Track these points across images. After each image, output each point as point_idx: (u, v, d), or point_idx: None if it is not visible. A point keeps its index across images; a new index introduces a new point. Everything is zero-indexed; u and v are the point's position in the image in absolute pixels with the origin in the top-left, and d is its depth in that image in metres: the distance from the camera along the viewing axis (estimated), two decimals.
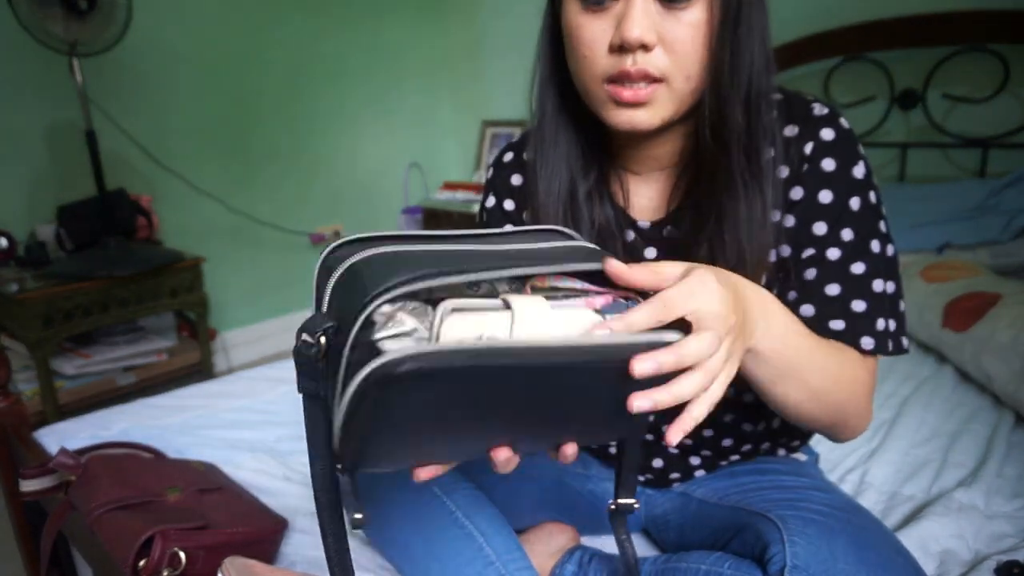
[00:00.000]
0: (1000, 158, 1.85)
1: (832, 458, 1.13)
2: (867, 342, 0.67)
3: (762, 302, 0.57)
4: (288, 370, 1.58)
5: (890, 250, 0.70)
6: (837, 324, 0.68)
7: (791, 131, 0.69)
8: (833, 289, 0.68)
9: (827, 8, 2.04)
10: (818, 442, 1.18)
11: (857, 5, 1.98)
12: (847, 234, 0.68)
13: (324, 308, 0.45)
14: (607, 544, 0.91)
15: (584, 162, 0.76)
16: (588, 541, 0.91)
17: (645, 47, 0.61)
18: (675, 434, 0.46)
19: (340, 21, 2.74)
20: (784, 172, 0.69)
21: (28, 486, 0.94)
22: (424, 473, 0.48)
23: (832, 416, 0.66)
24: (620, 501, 0.58)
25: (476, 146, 3.20)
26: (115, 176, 2.18)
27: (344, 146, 2.86)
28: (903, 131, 2.01)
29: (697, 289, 0.47)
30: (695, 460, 0.84)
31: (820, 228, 0.68)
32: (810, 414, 0.64)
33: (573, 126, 0.75)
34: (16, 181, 2.07)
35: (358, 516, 0.48)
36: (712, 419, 0.78)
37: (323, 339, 0.42)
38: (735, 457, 0.84)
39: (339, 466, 0.45)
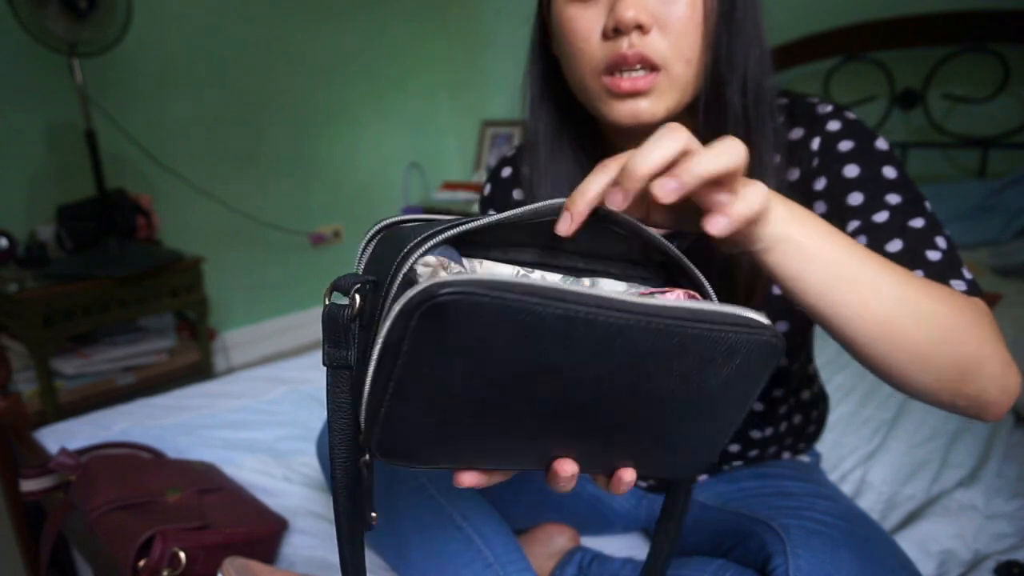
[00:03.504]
0: (1000, 158, 1.85)
1: (832, 458, 1.13)
2: (958, 284, 0.57)
3: (798, 206, 0.49)
4: (288, 370, 1.59)
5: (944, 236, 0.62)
6: (917, 273, 0.57)
7: (796, 134, 0.67)
8: (895, 246, 0.59)
9: (827, 8, 2.04)
10: (819, 442, 1.18)
11: (857, 5, 1.98)
12: (893, 198, 0.61)
13: (360, 269, 0.42)
14: (608, 545, 0.91)
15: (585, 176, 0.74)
16: (588, 542, 0.91)
17: (641, 28, 0.58)
18: (717, 225, 0.41)
19: (340, 21, 2.74)
20: (795, 174, 0.67)
21: (28, 486, 0.94)
22: (467, 479, 0.41)
23: (940, 359, 0.49)
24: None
25: (476, 146, 3.20)
26: (115, 176, 2.18)
27: (344, 146, 2.86)
28: (903, 131, 2.01)
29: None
30: None
31: (856, 199, 0.63)
32: (902, 344, 0.49)
33: (571, 142, 0.72)
34: (16, 181, 2.07)
35: (373, 514, 0.45)
36: None
37: (357, 297, 0.38)
38: (738, 463, 0.84)
39: (366, 455, 0.41)
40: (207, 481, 0.97)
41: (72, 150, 2.10)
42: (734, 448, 0.81)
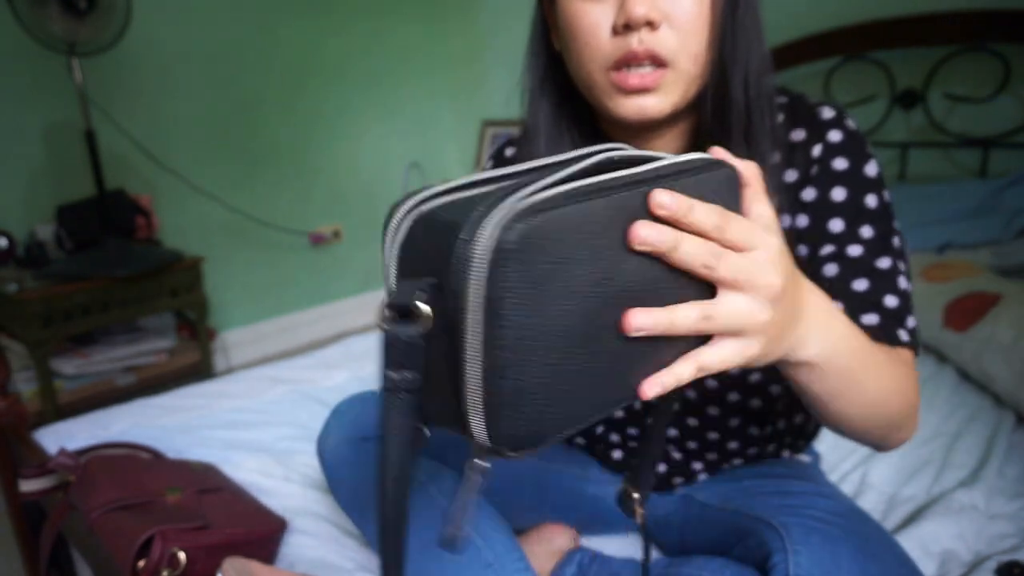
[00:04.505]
0: (1001, 158, 1.85)
1: (832, 459, 1.13)
2: (903, 335, 0.65)
3: (826, 311, 0.50)
4: (288, 370, 1.58)
5: (907, 249, 0.69)
6: (870, 319, 0.65)
7: (798, 135, 0.69)
8: (861, 284, 0.66)
9: (827, 8, 2.04)
10: (819, 441, 1.18)
11: (857, 5, 1.98)
12: (867, 231, 0.66)
13: (395, 277, 0.36)
14: (608, 545, 0.91)
15: None
16: (588, 542, 0.91)
17: (651, 24, 0.60)
18: (651, 387, 0.39)
19: (341, 20, 2.73)
20: (792, 176, 0.69)
21: (28, 486, 0.94)
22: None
23: (887, 426, 0.61)
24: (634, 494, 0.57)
25: (476, 146, 3.19)
26: (115, 176, 2.18)
27: (344, 146, 2.86)
28: (904, 131, 2.01)
29: (759, 235, 0.40)
30: (698, 465, 0.83)
31: (837, 225, 0.67)
32: (864, 426, 0.59)
33: (570, 134, 0.73)
34: (15, 181, 2.07)
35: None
36: (718, 423, 0.78)
37: (423, 307, 0.33)
38: (739, 461, 0.84)
39: (476, 459, 0.37)
40: (207, 481, 0.97)
41: (72, 150, 2.10)
42: (734, 446, 0.81)
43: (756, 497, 0.76)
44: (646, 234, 0.36)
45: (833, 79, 2.06)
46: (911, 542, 0.88)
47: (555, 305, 0.34)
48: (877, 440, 0.62)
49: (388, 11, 2.88)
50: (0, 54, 1.97)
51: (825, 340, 0.48)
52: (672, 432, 0.82)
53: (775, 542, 0.64)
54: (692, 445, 0.82)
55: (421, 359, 0.35)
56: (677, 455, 0.83)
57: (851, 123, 0.69)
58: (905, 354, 0.65)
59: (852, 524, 0.67)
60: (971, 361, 1.33)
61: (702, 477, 0.84)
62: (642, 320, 0.37)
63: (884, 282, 0.66)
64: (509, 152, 0.84)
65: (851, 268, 0.66)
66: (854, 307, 0.66)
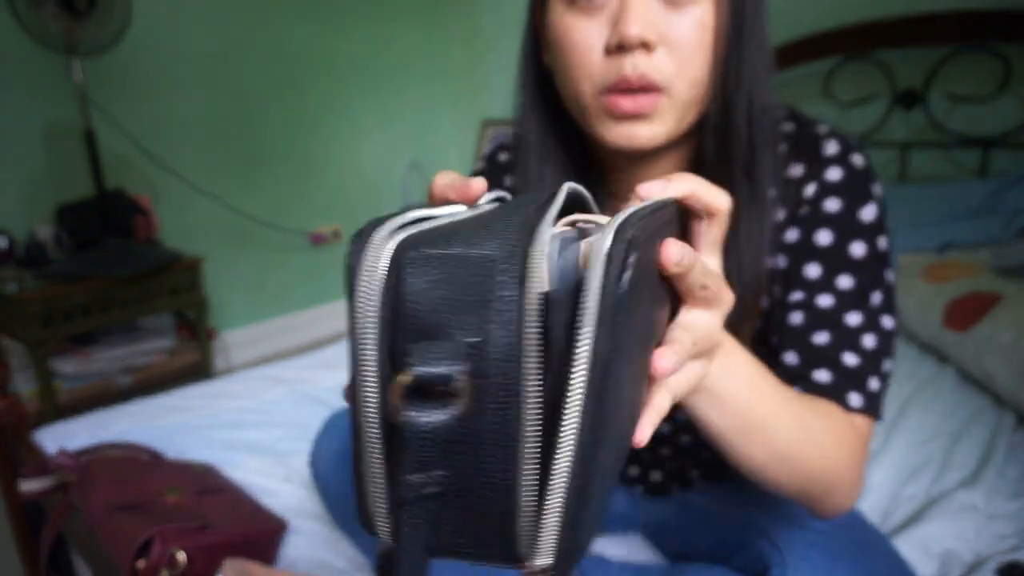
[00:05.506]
0: (1002, 158, 1.85)
1: None
2: (855, 399, 0.59)
3: (730, 341, 0.48)
4: (288, 370, 1.58)
5: (890, 318, 0.63)
6: (823, 375, 0.60)
7: (796, 171, 0.64)
8: (821, 338, 0.61)
9: (827, 8, 2.03)
10: None
11: (857, 5, 1.98)
12: (846, 281, 0.61)
13: (385, 337, 0.25)
14: (608, 546, 0.91)
15: None
16: None
17: (646, 46, 0.54)
18: (644, 432, 0.34)
19: (340, 21, 2.73)
20: (780, 215, 0.65)
21: (27, 486, 0.94)
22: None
23: (805, 485, 0.55)
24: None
25: (476, 146, 3.19)
26: (114, 176, 2.18)
27: (344, 146, 2.86)
28: (904, 130, 2.01)
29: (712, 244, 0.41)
30: (694, 472, 0.83)
31: (813, 271, 0.62)
32: (776, 479, 0.53)
33: (560, 158, 0.68)
34: (15, 181, 2.07)
35: None
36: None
37: (463, 379, 0.24)
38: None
39: (565, 571, 0.26)
40: (207, 482, 0.97)
41: (71, 150, 2.10)
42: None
43: (755, 506, 0.75)
44: (681, 254, 0.32)
45: (833, 79, 2.06)
46: (911, 542, 0.88)
47: (628, 362, 0.27)
48: (798, 498, 0.57)
49: (389, 11, 2.88)
50: (0, 54, 1.97)
51: (724, 369, 0.45)
52: (665, 451, 0.82)
53: (775, 557, 0.64)
54: (687, 460, 0.82)
55: (451, 454, 0.25)
56: (673, 466, 0.83)
57: (857, 159, 0.63)
58: (856, 419, 0.60)
59: (852, 535, 0.67)
60: (971, 361, 1.33)
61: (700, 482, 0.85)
62: (668, 358, 0.32)
63: (847, 338, 0.60)
64: (503, 157, 0.80)
65: (816, 319, 0.61)
66: (809, 361, 0.61)
